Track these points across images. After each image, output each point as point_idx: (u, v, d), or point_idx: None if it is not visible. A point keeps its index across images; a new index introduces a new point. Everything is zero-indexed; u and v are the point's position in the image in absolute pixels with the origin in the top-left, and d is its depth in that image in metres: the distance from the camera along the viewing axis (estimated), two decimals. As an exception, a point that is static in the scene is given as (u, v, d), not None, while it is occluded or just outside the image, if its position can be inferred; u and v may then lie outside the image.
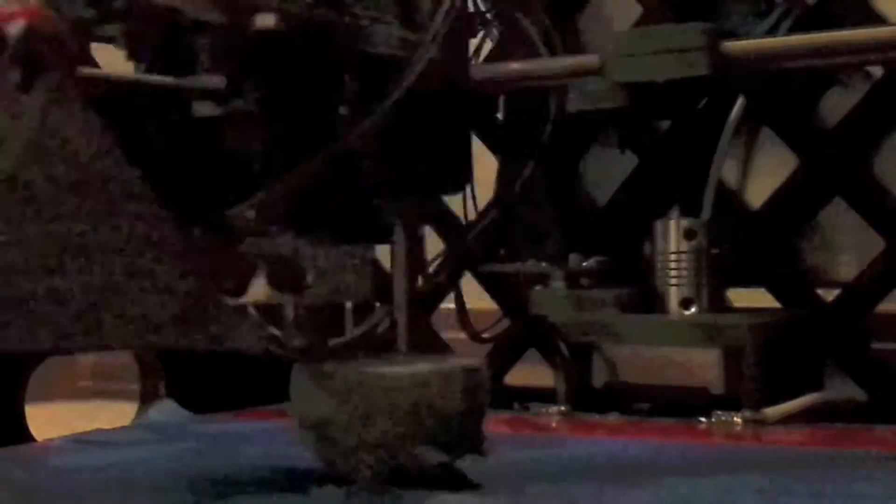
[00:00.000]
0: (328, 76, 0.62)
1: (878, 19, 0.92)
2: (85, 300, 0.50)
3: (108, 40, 0.60)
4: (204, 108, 0.60)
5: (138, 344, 0.53)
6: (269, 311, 0.59)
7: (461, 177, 0.74)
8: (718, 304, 0.92)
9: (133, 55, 0.59)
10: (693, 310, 0.90)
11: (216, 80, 0.59)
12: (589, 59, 0.85)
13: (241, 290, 0.57)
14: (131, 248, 0.51)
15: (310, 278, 0.58)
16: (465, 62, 0.74)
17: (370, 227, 0.64)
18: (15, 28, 0.49)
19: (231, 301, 0.56)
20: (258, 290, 0.57)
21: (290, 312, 0.58)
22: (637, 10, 1.02)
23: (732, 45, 0.81)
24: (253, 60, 0.59)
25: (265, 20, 0.58)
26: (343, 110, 0.62)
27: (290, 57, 0.60)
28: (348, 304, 0.65)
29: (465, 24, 0.73)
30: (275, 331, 0.58)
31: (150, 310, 0.52)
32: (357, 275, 0.59)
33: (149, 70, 0.59)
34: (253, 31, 0.58)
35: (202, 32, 0.59)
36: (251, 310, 0.57)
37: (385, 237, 0.66)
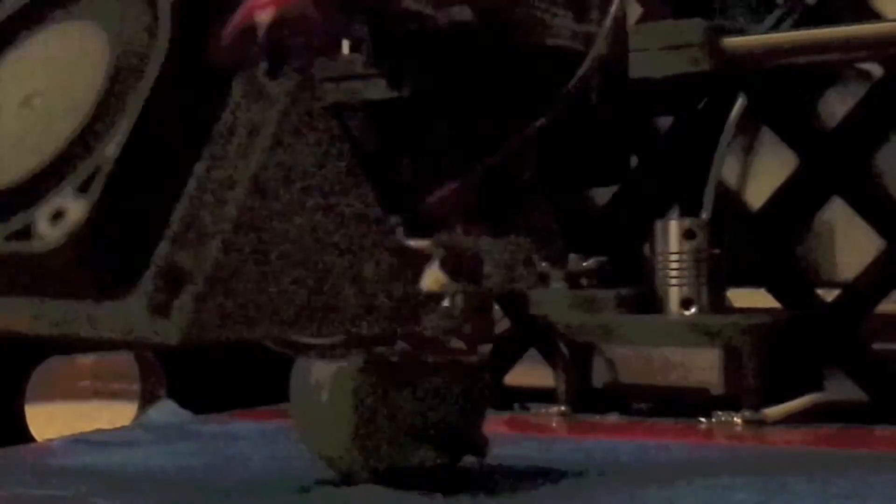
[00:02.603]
0: (509, 69, 0.63)
1: (877, 19, 0.92)
2: (306, 294, 0.50)
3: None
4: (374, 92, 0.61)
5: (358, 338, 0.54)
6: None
7: (618, 170, 0.75)
8: (718, 304, 0.92)
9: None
10: (693, 310, 0.90)
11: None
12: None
13: (415, 278, 0.57)
14: (347, 243, 0.51)
15: (487, 268, 0.59)
16: (627, 56, 0.74)
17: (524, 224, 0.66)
18: (265, 15, 0.49)
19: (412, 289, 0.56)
20: (433, 278, 0.58)
21: (460, 301, 0.59)
22: (637, 9, 1.02)
23: (733, 42, 0.81)
24: (445, 53, 0.60)
25: (462, 13, 0.59)
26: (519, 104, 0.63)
27: (477, 50, 0.61)
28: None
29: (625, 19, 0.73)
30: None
31: (359, 302, 0.52)
32: (527, 263, 0.60)
33: None
34: (448, 24, 0.59)
35: (406, 23, 0.59)
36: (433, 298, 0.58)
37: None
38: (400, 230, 0.57)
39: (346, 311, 0.51)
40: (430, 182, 0.60)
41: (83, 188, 0.46)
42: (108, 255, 0.46)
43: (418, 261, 0.57)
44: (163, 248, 0.46)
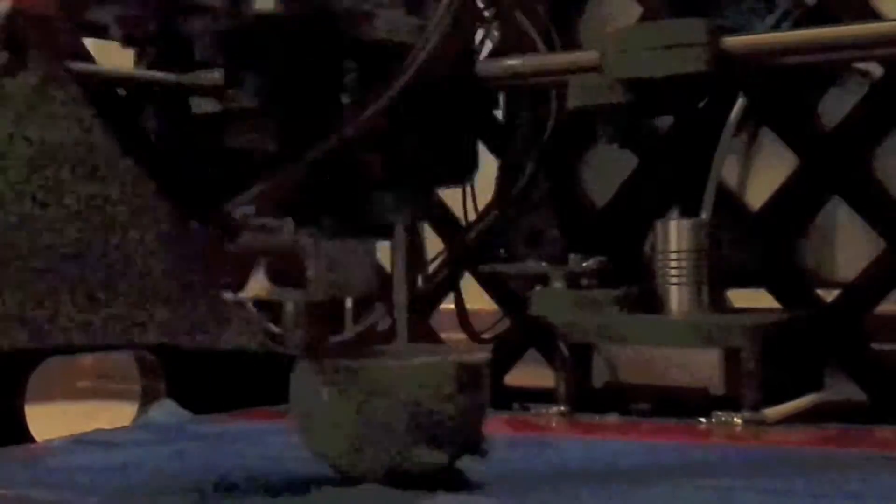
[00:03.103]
0: (328, 63, 0.60)
1: (877, 19, 0.92)
2: (79, 297, 0.49)
3: (102, 29, 0.59)
4: (206, 105, 0.59)
5: (130, 342, 0.52)
6: (269, 307, 0.58)
7: (464, 169, 0.74)
8: (718, 304, 0.92)
9: (127, 41, 0.58)
10: (693, 310, 0.90)
11: (216, 77, 0.58)
12: (589, 56, 0.85)
13: (239, 285, 0.56)
14: (119, 236, 0.50)
15: (310, 272, 0.57)
16: (471, 53, 0.73)
17: (370, 221, 0.64)
18: (1, 7, 0.48)
19: (230, 297, 0.55)
20: (257, 285, 0.56)
21: (290, 308, 0.58)
22: (637, 9, 1.02)
23: (733, 41, 0.81)
24: (251, 47, 0.58)
25: (265, 3, 0.56)
26: (344, 99, 0.61)
27: (288, 43, 0.58)
28: (348, 302, 0.65)
29: (470, 14, 0.71)
30: (273, 328, 0.58)
31: (144, 307, 0.51)
32: (360, 268, 0.59)
33: (150, 66, 0.59)
34: (252, 15, 0.57)
35: (199, 17, 0.57)
36: (249, 306, 0.57)
37: (385, 233, 0.65)
38: (217, 233, 0.55)
39: (119, 310, 0.50)
40: (245, 180, 0.58)
41: None
42: None
43: (242, 265, 0.56)
44: None
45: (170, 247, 0.52)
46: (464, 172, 0.71)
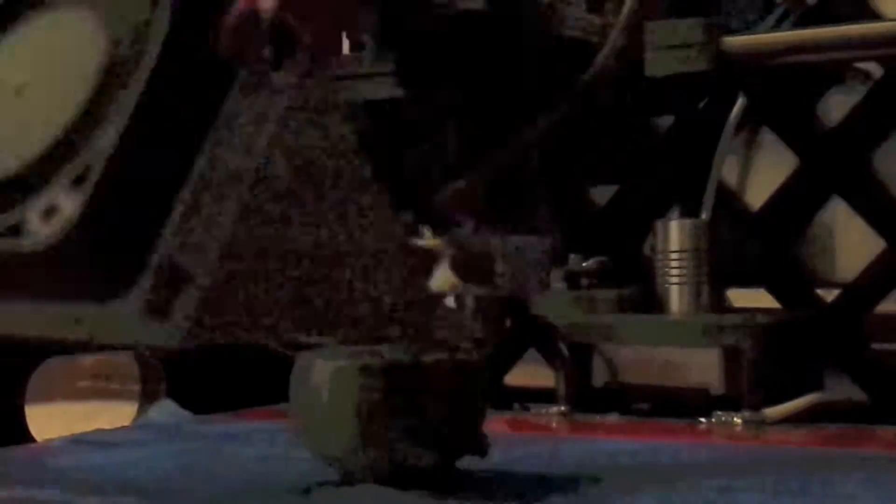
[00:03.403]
0: (519, 61, 0.61)
1: (877, 19, 0.92)
2: (312, 295, 0.49)
3: None
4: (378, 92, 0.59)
5: (364, 340, 0.52)
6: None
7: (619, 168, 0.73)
8: (718, 304, 0.92)
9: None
10: (693, 310, 0.90)
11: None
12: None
13: (424, 278, 0.56)
14: (356, 244, 0.50)
15: (499, 268, 0.58)
16: (643, 50, 0.73)
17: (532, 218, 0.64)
18: (268, 2, 0.47)
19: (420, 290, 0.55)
20: (443, 279, 0.56)
21: (470, 303, 0.58)
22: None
23: (733, 41, 0.81)
24: (456, 42, 0.59)
25: (473, 1, 0.57)
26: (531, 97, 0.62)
27: (486, 40, 0.59)
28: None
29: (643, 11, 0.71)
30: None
31: (371, 307, 0.51)
32: (540, 268, 0.59)
33: None
34: (460, 11, 0.58)
35: (417, 11, 0.58)
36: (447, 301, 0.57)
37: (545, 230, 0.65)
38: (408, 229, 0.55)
39: (354, 312, 0.50)
40: (437, 179, 0.59)
41: (77, 182, 0.44)
42: (104, 254, 0.44)
43: (427, 260, 0.56)
44: (162, 247, 0.44)
45: (391, 245, 0.51)
46: (618, 174, 0.72)
